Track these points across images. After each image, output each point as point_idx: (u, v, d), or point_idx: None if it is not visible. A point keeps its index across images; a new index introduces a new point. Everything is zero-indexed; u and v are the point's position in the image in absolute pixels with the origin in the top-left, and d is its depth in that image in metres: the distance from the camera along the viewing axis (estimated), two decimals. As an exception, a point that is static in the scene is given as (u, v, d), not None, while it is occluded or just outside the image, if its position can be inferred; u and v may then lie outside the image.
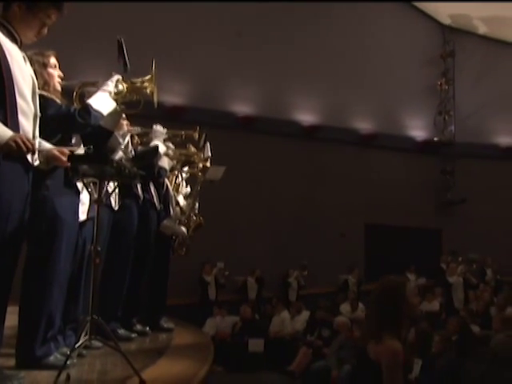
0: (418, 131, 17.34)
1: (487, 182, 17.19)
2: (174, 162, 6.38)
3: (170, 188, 6.49)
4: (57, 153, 3.69)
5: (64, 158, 3.66)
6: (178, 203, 6.64)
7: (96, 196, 3.81)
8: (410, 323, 3.69)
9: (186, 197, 7.02)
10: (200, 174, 6.73)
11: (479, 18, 17.33)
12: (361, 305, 12.79)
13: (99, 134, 4.21)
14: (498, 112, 17.47)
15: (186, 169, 6.85)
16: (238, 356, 12.07)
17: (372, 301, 3.62)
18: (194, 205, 6.87)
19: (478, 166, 17.26)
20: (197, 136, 6.36)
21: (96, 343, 4.02)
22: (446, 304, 13.22)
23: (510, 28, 17.34)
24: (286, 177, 15.71)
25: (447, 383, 7.05)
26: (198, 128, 6.46)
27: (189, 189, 7.12)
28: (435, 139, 17.18)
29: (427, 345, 8.19)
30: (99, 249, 3.75)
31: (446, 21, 17.87)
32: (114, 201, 4.89)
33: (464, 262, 14.66)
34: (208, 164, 6.64)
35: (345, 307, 12.25)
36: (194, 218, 6.82)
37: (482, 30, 17.80)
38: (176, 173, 6.81)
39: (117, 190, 4.73)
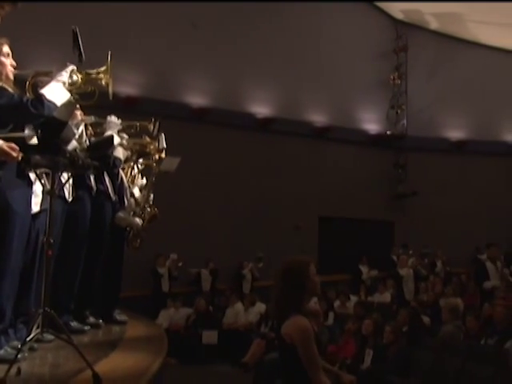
0: (370, 124, 17.54)
1: (438, 175, 17.51)
2: (129, 152, 6.32)
3: (125, 179, 6.42)
4: (6, 148, 3.60)
5: (14, 154, 3.59)
6: (132, 195, 6.59)
7: (49, 187, 3.75)
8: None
9: (141, 188, 6.97)
10: (155, 165, 6.69)
11: (431, 14, 17.59)
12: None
13: (53, 124, 4.14)
14: (448, 106, 17.80)
15: (141, 160, 6.80)
16: (192, 348, 12.08)
17: (277, 280, 3.66)
18: (149, 196, 6.83)
19: (429, 160, 17.57)
20: (152, 127, 6.32)
21: (48, 336, 3.96)
22: (397, 295, 13.43)
23: (461, 24, 17.65)
24: (241, 169, 15.71)
25: (397, 372, 7.17)
26: (152, 119, 6.42)
27: (144, 180, 7.07)
28: (388, 133, 17.39)
29: (379, 335, 8.34)
30: (52, 241, 3.70)
31: (399, 16, 18.09)
32: (68, 192, 4.82)
33: (415, 255, 14.92)
34: (163, 155, 6.60)
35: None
36: (149, 209, 6.78)
37: (434, 25, 18.07)
38: (132, 164, 6.75)
39: (70, 181, 4.66)
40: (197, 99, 15.42)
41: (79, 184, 5.07)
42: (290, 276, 3.55)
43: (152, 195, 6.93)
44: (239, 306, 12.77)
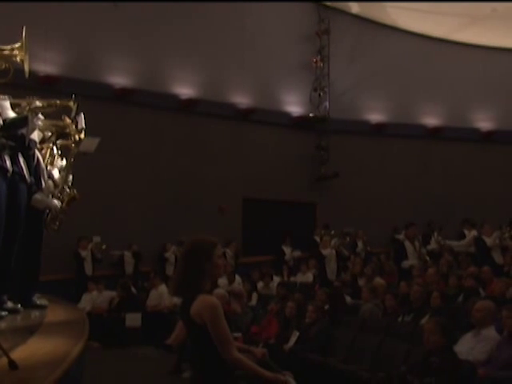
0: (293, 107, 17.66)
1: (359, 157, 17.86)
2: (46, 133, 6.15)
3: (42, 160, 6.24)
4: None
5: None
6: (50, 176, 6.42)
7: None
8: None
9: (60, 170, 6.80)
10: (74, 146, 6.53)
11: (352, -2, 17.88)
12: (238, 278, 13.00)
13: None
14: (369, 90, 18.12)
15: (59, 141, 6.62)
16: (115, 331, 11.98)
17: (180, 259, 3.66)
18: (68, 178, 6.67)
19: (351, 142, 17.88)
20: (72, 105, 6.17)
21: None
22: (319, 275, 13.68)
23: (381, 9, 17.97)
24: (164, 150, 15.57)
25: (319, 351, 7.32)
26: (73, 97, 6.26)
27: (64, 161, 6.89)
28: (310, 115, 17.53)
29: (301, 315, 8.47)
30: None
31: (321, -1, 18.24)
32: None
33: (337, 235, 15.21)
34: (82, 136, 6.45)
35: (222, 280, 12.40)
36: (68, 191, 6.64)
37: (355, 9, 18.31)
38: (50, 145, 6.57)
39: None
40: (119, 79, 15.14)
41: (-6, 165, 4.90)
42: (193, 257, 3.50)
43: (71, 176, 6.78)
44: (163, 288, 12.71)
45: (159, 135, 15.53)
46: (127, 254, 14.52)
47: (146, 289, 13.54)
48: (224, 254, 14.97)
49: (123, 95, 15.06)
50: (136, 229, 14.67)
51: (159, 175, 15.38)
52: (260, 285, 13.01)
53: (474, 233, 13.17)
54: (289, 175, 17.08)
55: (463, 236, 13.73)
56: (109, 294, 13.05)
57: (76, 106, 6.26)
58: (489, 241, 12.08)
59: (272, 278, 13.12)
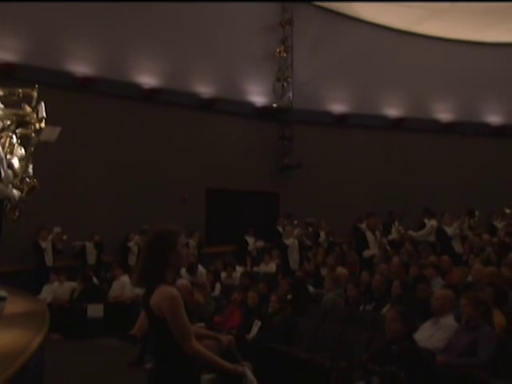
0: (257, 97, 17.65)
1: (322, 147, 17.96)
2: (6, 122, 6.05)
3: (1, 149, 6.13)
4: None
5: None
6: (10, 166, 6.32)
7: None
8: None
9: (20, 159, 6.70)
10: (34, 135, 6.43)
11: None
12: (200, 268, 12.98)
13: None
14: (332, 80, 18.21)
15: (18, 130, 6.52)
16: (77, 322, 11.88)
17: (143, 249, 3.65)
18: (28, 167, 6.58)
19: (314, 132, 17.96)
20: (35, 94, 6.08)
21: None
22: (282, 265, 13.73)
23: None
24: (126, 140, 15.44)
25: (282, 340, 7.36)
26: (36, 86, 6.17)
27: (24, 151, 6.79)
28: (274, 105, 17.56)
29: (264, 305, 8.51)
30: None
31: (284, -11, 18.21)
32: None
33: (300, 225, 15.29)
34: (43, 125, 6.36)
35: (184, 270, 12.38)
36: (28, 180, 6.54)
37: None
38: (10, 134, 6.46)
39: None
40: (81, 68, 14.95)
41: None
42: (156, 246, 3.47)
43: (31, 166, 6.68)
44: (125, 278, 12.63)
45: (121, 124, 15.41)
46: (89, 245, 14.39)
47: (109, 279, 13.44)
48: (187, 244, 14.95)
49: (85, 84, 14.88)
50: (98, 219, 14.54)
51: (121, 165, 15.25)
52: (223, 275, 13.01)
53: (433, 222, 13.37)
54: (252, 165, 17.09)
55: (423, 225, 13.94)
56: (70, 285, 12.93)
57: (36, 94, 6.17)
58: (449, 230, 12.28)
59: (235, 268, 13.14)
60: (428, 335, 6.05)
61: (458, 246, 12.23)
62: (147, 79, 15.90)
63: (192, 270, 12.30)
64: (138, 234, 14.50)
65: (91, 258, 14.43)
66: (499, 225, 15.35)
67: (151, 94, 15.86)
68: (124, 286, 12.61)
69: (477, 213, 13.81)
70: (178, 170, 15.95)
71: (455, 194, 17.89)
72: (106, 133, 15.14)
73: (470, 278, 8.73)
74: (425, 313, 6.50)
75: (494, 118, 19.89)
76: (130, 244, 14.72)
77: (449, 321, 6.13)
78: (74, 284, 12.92)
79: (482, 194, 17.93)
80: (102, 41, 15.09)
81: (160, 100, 15.92)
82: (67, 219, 13.93)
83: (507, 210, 15.54)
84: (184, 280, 10.31)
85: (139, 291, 12.32)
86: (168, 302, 3.32)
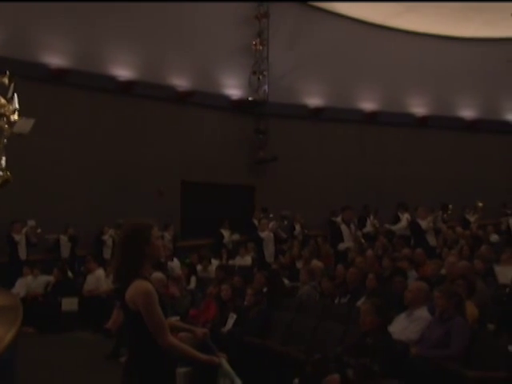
0: (233, 90, 17.61)
1: (297, 140, 17.99)
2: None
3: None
4: None
5: None
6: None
7: None
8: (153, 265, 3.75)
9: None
10: (7, 126, 6.36)
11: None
12: (176, 261, 12.96)
13: None
14: (308, 74, 18.23)
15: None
16: (51, 316, 11.80)
17: (118, 243, 3.65)
18: (1, 159, 6.50)
19: (289, 126, 17.99)
20: (7, 82, 6.00)
21: None
22: (257, 258, 13.76)
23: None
24: (101, 132, 15.34)
25: (257, 333, 7.38)
26: (7, 73, 6.09)
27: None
28: (249, 98, 17.53)
29: (240, 298, 8.51)
30: None
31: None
32: None
33: (275, 219, 15.32)
34: (16, 117, 6.29)
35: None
36: (1, 173, 6.47)
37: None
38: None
39: None
40: (55, 60, 14.80)
41: None
42: (131, 240, 3.47)
43: (4, 158, 6.61)
44: (100, 272, 12.57)
45: (96, 117, 15.30)
46: (63, 238, 14.30)
47: (83, 273, 13.35)
48: (162, 237, 14.89)
49: (59, 76, 14.73)
50: (72, 212, 14.43)
51: (96, 158, 15.15)
52: (199, 268, 13.00)
53: (407, 216, 13.49)
54: (228, 158, 17.07)
55: (397, 219, 14.05)
56: (44, 279, 12.82)
57: (12, 85, 6.10)
58: (423, 224, 12.38)
59: (210, 262, 13.14)
60: (402, 327, 6.11)
61: (431, 239, 12.34)
62: (122, 72, 15.78)
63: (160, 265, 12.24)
64: (112, 227, 14.41)
65: (65, 252, 14.33)
66: (472, 218, 15.54)
67: (127, 87, 15.75)
68: (99, 279, 12.54)
69: (450, 206, 13.96)
70: (154, 163, 15.89)
71: (429, 188, 18.06)
72: (81, 125, 15.03)
73: (443, 271, 8.83)
74: (400, 305, 6.55)
75: (468, 113, 20.08)
76: (105, 237, 14.64)
77: (422, 313, 6.20)
78: (48, 278, 12.81)
79: (455, 187, 18.14)
80: (76, 32, 14.94)
81: (135, 92, 15.82)
82: (41, 212, 13.80)
83: (480, 204, 15.74)
84: (160, 273, 10.28)
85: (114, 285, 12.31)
86: (142, 297, 3.32)
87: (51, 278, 12.68)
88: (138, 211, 14.13)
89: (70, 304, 11.96)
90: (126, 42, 15.72)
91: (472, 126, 19.95)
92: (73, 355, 9.37)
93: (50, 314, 11.84)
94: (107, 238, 14.59)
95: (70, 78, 14.83)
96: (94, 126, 15.22)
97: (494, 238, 13.43)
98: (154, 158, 15.92)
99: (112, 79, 15.61)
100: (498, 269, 8.40)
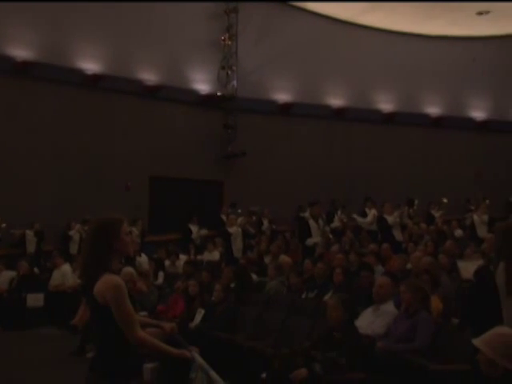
0: (201, 85, 17.56)
1: (266, 136, 18.02)
2: None
3: None
4: None
5: None
6: None
7: None
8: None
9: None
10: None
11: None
12: (144, 256, 12.90)
13: None
14: (277, 69, 18.26)
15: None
16: (16, 312, 11.67)
17: (87, 238, 3.63)
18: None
19: (258, 121, 18.00)
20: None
21: None
22: (225, 253, 13.76)
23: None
24: (68, 126, 15.20)
25: (225, 328, 7.39)
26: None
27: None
28: (218, 93, 17.51)
29: (208, 294, 8.51)
30: None
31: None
32: None
33: (243, 214, 15.34)
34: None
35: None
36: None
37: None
38: None
39: None
40: (21, 52, 14.63)
41: None
42: (99, 235, 3.44)
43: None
44: (66, 267, 12.45)
45: (64, 110, 15.16)
46: (29, 233, 14.16)
47: (49, 268, 13.22)
48: (130, 233, 14.79)
49: (25, 68, 14.54)
50: (38, 206, 14.29)
51: (63, 151, 15.01)
52: (167, 263, 12.96)
53: (374, 211, 13.61)
54: (196, 153, 17.04)
55: (364, 214, 14.17)
56: (9, 274, 12.67)
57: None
58: (389, 219, 12.52)
59: (178, 257, 13.11)
60: (369, 322, 6.17)
61: (397, 235, 12.48)
62: (90, 65, 15.65)
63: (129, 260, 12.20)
64: (79, 222, 14.30)
65: (31, 247, 14.20)
66: (437, 214, 15.74)
67: (94, 80, 15.63)
68: (65, 274, 12.42)
69: (416, 202, 14.12)
70: (122, 158, 15.80)
71: (396, 183, 18.25)
72: (48, 118, 14.88)
73: (409, 266, 8.94)
74: (367, 300, 6.62)
75: (433, 109, 20.34)
76: (72, 233, 14.53)
77: (389, 307, 6.27)
78: (12, 273, 12.66)
79: (421, 183, 18.38)
80: (43, 25, 14.78)
81: (103, 86, 15.71)
82: (6, 206, 13.64)
83: (445, 200, 15.95)
84: (128, 268, 10.23)
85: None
86: (112, 291, 3.29)
87: (16, 274, 12.54)
88: (105, 206, 14.05)
89: (35, 300, 11.84)
90: (93, 36, 15.57)
91: (437, 122, 20.23)
92: (38, 351, 9.30)
93: (15, 310, 11.72)
94: (74, 233, 14.47)
95: (36, 71, 14.67)
96: (60, 120, 15.06)
97: (459, 233, 13.63)
98: (122, 152, 15.82)
99: (79, 72, 15.46)
100: (461, 264, 8.52)
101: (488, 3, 17.63)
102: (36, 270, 13.05)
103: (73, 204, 14.59)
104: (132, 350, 3.39)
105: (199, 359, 3.59)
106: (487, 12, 18.37)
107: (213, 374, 3.53)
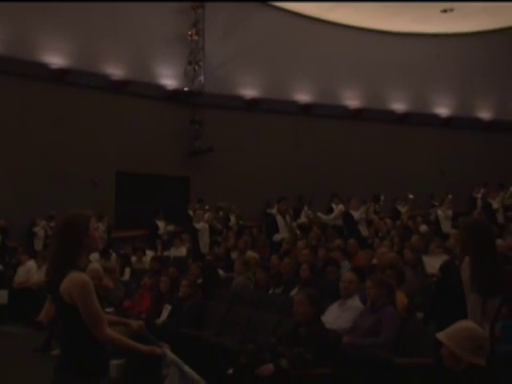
0: (168, 80, 17.47)
1: (233, 131, 18.02)
2: None
3: None
4: None
5: None
6: None
7: None
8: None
9: None
10: None
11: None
12: (110, 252, 12.81)
13: None
14: (244, 65, 18.26)
15: None
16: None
17: (54, 235, 3.61)
18: None
19: (225, 117, 17.98)
20: None
21: None
22: (193, 249, 13.74)
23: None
24: (33, 121, 15.01)
25: (192, 324, 7.39)
26: None
27: None
28: (185, 89, 17.43)
29: (175, 290, 8.49)
30: None
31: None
32: None
33: (210, 210, 15.33)
34: None
35: (94, 255, 12.19)
36: None
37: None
38: None
39: None
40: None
41: None
42: (68, 231, 3.42)
43: None
44: (31, 264, 12.32)
45: (28, 105, 14.97)
46: (-7, 229, 13.96)
47: (13, 265, 13.06)
48: (97, 228, 14.67)
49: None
50: (2, 202, 14.09)
51: (28, 147, 14.82)
52: (133, 259, 12.89)
53: (341, 207, 13.72)
54: (163, 149, 16.96)
55: (331, 210, 14.28)
56: (-28, 271, 12.51)
57: None
58: (356, 214, 12.63)
59: (145, 253, 13.03)
60: (335, 317, 6.23)
61: (363, 230, 12.61)
62: (55, 59, 15.45)
63: (105, 254, 12.13)
64: (44, 218, 14.13)
65: (-6, 243, 14.00)
66: (402, 209, 15.92)
67: (59, 75, 15.44)
68: (30, 271, 12.29)
69: (382, 198, 14.26)
70: (88, 153, 15.65)
71: (362, 179, 18.40)
72: (13, 113, 14.69)
73: (374, 261, 9.03)
74: (333, 295, 6.68)
75: (399, 106, 20.55)
76: (37, 229, 14.37)
77: (354, 302, 6.33)
78: (-24, 270, 12.51)
79: (388, 179, 18.56)
80: (7, 18, 14.55)
81: (69, 81, 15.54)
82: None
83: (410, 196, 16.13)
84: (94, 264, 10.15)
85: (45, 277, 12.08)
86: (79, 289, 3.26)
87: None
88: (71, 202, 13.92)
89: (-1, 297, 11.72)
90: (59, 29, 15.39)
91: (402, 118, 20.43)
92: (3, 349, 9.19)
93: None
94: (39, 229, 14.31)
95: (1, 65, 14.42)
96: (25, 115, 14.87)
97: (423, 228, 13.80)
98: (88, 147, 15.68)
99: (44, 67, 15.27)
100: (425, 259, 8.63)
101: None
102: (0, 266, 12.87)
103: (38, 200, 14.42)
104: (100, 348, 3.38)
105: (171, 355, 3.60)
106: (451, 9, 18.62)
107: (187, 368, 3.54)
